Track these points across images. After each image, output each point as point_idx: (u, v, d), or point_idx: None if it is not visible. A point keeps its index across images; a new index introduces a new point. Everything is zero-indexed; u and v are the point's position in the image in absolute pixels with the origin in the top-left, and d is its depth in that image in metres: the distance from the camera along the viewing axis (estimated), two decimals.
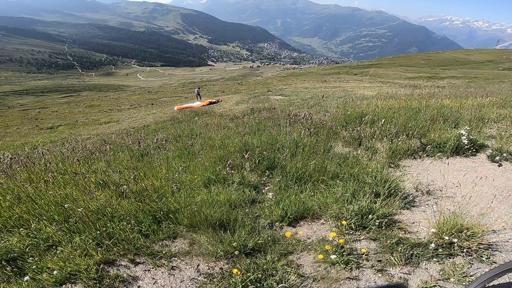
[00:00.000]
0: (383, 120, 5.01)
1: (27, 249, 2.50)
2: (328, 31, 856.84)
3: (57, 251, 2.47)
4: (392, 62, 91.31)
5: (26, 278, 2.21)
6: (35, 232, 2.68)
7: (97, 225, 2.70)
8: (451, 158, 4.23)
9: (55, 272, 2.25)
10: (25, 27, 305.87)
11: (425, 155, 4.29)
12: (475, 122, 5.27)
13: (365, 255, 2.32)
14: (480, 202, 2.93)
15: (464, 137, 4.31)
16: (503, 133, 4.77)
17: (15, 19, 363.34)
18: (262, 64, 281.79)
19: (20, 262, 2.38)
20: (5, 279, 2.26)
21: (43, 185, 3.51)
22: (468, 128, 4.55)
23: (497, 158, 4.02)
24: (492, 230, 2.49)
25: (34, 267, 2.30)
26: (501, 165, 3.74)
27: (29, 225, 2.79)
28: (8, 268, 2.29)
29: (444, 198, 3.09)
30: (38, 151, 5.90)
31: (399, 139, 4.49)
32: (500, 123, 5.42)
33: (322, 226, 2.85)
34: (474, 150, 4.33)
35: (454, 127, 5.13)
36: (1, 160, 5.00)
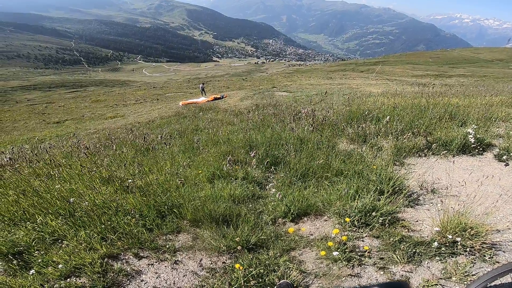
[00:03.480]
0: (388, 117, 4.96)
1: (33, 243, 2.52)
2: (335, 28, 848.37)
3: (62, 245, 2.49)
4: (399, 60, 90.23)
5: (32, 271, 2.22)
6: (41, 226, 2.70)
7: (102, 219, 2.72)
8: (457, 156, 4.18)
9: (60, 266, 2.26)
10: (32, 23, 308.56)
11: (430, 153, 4.25)
12: (482, 121, 5.20)
13: (368, 252, 2.31)
14: (485, 201, 2.89)
15: (471, 136, 4.25)
16: (511, 132, 4.69)
17: (23, 15, 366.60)
18: (267, 60, 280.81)
19: (26, 255, 2.40)
20: (11, 272, 2.28)
21: (48, 180, 3.55)
22: (475, 127, 4.48)
23: (504, 157, 3.96)
24: (496, 230, 2.47)
25: (39, 260, 2.31)
26: (508, 165, 3.68)
27: (35, 219, 2.81)
28: (14, 262, 2.31)
29: (448, 197, 3.07)
30: (44, 145, 5.98)
31: (405, 137, 4.45)
32: (509, 122, 5.33)
33: (325, 222, 2.85)
34: (481, 149, 4.27)
35: (461, 126, 5.07)
36: (7, 155, 5.07)
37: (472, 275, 2.03)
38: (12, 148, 5.12)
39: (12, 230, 2.73)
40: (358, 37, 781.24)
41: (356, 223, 2.64)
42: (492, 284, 1.44)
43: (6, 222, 2.89)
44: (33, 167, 4.17)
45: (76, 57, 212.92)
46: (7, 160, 4.57)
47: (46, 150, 5.37)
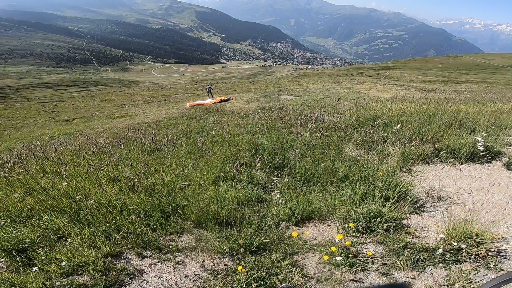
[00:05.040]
0: (399, 125, 4.93)
1: (37, 240, 2.54)
2: (343, 32, 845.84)
3: (66, 243, 2.50)
4: (408, 65, 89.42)
5: (35, 268, 2.23)
6: (46, 224, 2.72)
7: (107, 218, 2.74)
8: (465, 164, 4.13)
9: (63, 264, 2.27)
10: (46, 22, 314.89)
11: (438, 160, 4.20)
12: (492, 128, 5.12)
13: (371, 258, 2.30)
14: (492, 209, 2.85)
15: (480, 144, 4.20)
16: None
17: (37, 14, 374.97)
18: (274, 63, 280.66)
19: (30, 252, 2.41)
20: (13, 269, 2.30)
21: (55, 178, 3.60)
22: (484, 135, 4.42)
23: None
24: (502, 238, 2.43)
25: (43, 258, 2.32)
26: None
27: (41, 216, 2.82)
28: (17, 259, 2.32)
29: (455, 204, 3.03)
30: (53, 143, 6.08)
31: (412, 144, 4.41)
32: None
33: (329, 227, 2.84)
34: (489, 157, 4.21)
35: (470, 133, 5.00)
36: (16, 152, 5.17)
37: (476, 282, 2.00)
38: (23, 145, 5.21)
39: (18, 227, 2.75)
40: (367, 41, 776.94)
41: (360, 228, 2.62)
42: None
43: (12, 218, 2.91)
44: (41, 165, 4.23)
45: (87, 56, 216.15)
46: (16, 158, 4.66)
47: (55, 148, 5.46)
